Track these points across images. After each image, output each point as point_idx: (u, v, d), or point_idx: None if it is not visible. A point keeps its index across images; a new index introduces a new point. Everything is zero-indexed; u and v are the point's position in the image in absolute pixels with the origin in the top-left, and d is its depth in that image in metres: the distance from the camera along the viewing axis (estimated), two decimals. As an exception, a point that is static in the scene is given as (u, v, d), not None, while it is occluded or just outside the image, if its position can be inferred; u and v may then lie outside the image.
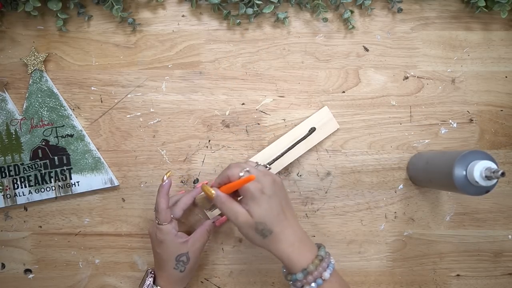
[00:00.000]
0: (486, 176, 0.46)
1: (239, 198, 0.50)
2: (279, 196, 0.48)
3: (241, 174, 0.48)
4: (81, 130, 0.61)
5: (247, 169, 0.49)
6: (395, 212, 0.62)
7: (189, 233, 0.56)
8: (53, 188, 0.60)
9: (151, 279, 0.54)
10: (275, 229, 0.47)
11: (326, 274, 0.47)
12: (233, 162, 0.52)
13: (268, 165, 0.56)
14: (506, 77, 0.63)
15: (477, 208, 0.63)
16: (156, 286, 0.54)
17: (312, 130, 0.60)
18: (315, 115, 0.61)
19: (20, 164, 0.60)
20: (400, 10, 0.63)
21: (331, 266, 0.48)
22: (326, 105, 0.62)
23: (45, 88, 0.61)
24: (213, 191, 0.49)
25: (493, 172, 0.45)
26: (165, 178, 0.54)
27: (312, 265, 0.47)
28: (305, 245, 0.48)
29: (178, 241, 0.53)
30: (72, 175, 0.60)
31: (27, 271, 0.62)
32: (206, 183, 0.60)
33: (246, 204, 0.48)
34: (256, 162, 0.52)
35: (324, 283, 0.47)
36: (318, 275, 0.46)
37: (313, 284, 0.46)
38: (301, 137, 0.60)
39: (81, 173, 0.61)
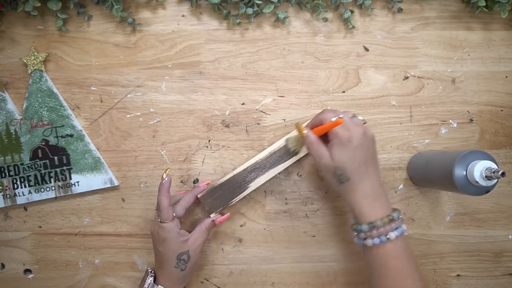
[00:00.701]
0: (486, 176, 0.46)
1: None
2: (365, 148, 0.49)
3: (333, 119, 0.50)
4: (81, 130, 0.61)
5: (341, 116, 0.50)
6: (395, 212, 0.62)
7: (190, 231, 0.56)
8: (53, 188, 0.60)
9: (151, 278, 0.54)
10: (353, 178, 0.48)
11: (392, 234, 0.46)
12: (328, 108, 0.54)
13: (364, 120, 0.55)
14: (506, 77, 0.63)
15: (478, 208, 0.63)
16: (157, 285, 0.54)
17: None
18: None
19: (20, 164, 0.60)
20: (400, 10, 0.63)
21: (400, 230, 0.47)
22: (328, 106, 0.62)
23: (45, 88, 0.61)
24: (305, 131, 0.51)
25: (494, 172, 0.45)
26: (164, 176, 0.54)
27: (380, 222, 0.47)
28: (380, 202, 0.49)
29: (180, 239, 0.53)
30: (72, 175, 0.60)
31: (27, 271, 0.62)
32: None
33: (331, 148, 0.49)
34: (353, 114, 0.52)
35: (388, 242, 0.47)
36: (383, 232, 0.47)
37: (376, 239, 0.47)
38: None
39: (81, 173, 0.60)
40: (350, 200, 0.49)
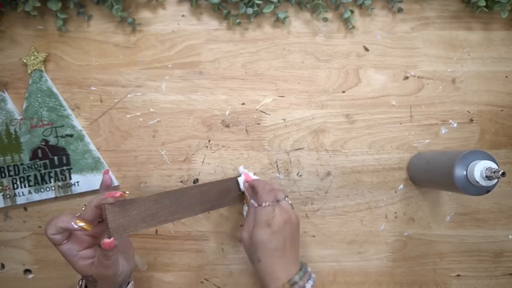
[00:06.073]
0: (486, 176, 0.46)
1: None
2: (285, 235, 0.49)
3: (265, 204, 0.50)
4: (80, 130, 0.61)
5: (269, 202, 0.50)
6: (395, 212, 0.62)
7: None
8: (53, 188, 0.60)
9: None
10: (264, 260, 0.48)
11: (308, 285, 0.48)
12: (267, 185, 0.52)
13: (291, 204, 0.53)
14: (506, 77, 0.63)
15: (478, 208, 0.63)
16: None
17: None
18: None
19: (20, 164, 0.60)
20: (400, 10, 0.63)
21: (313, 280, 0.49)
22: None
23: (45, 88, 0.61)
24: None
25: (494, 172, 0.45)
26: (78, 224, 0.43)
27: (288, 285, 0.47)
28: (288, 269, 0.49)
29: (81, 263, 0.44)
30: (72, 175, 0.60)
31: (27, 271, 0.62)
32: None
33: (254, 225, 0.49)
34: (285, 195, 0.53)
35: None
36: None
37: None
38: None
39: (81, 173, 0.60)
40: (261, 279, 0.49)
